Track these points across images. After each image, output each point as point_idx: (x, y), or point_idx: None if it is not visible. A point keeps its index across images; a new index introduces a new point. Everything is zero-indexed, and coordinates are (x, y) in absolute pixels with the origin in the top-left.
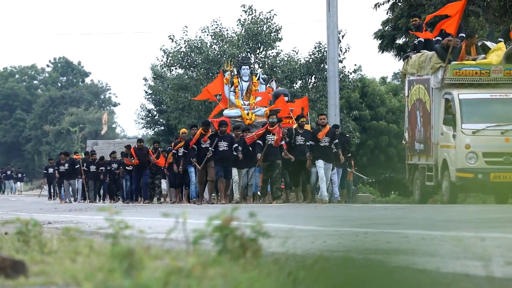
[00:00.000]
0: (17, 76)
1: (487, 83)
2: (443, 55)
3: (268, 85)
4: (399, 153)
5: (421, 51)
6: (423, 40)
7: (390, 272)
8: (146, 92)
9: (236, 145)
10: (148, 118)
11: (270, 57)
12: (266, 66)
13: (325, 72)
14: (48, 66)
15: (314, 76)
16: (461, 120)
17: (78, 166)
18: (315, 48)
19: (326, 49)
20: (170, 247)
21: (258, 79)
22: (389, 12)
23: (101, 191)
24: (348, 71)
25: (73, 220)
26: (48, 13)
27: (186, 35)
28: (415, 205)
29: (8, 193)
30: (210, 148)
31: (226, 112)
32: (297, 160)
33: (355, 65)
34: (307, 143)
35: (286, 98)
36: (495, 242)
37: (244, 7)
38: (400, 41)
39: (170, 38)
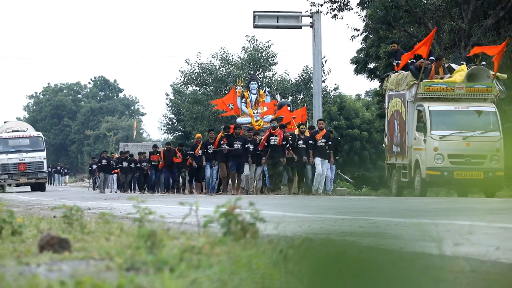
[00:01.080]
0: (65, 91)
1: (452, 97)
2: (417, 74)
3: (273, 98)
4: (370, 156)
5: (398, 71)
6: (400, 62)
7: (362, 251)
8: (167, 104)
9: (248, 145)
10: (169, 125)
11: (267, 78)
12: (264, 85)
13: (311, 90)
14: (89, 83)
15: (302, 93)
16: (431, 128)
17: (112, 163)
18: (303, 70)
19: (312, 71)
20: (185, 230)
21: (264, 92)
22: (362, 42)
23: (132, 184)
24: (329, 89)
25: (108, 206)
26: (91, 40)
27: (199, 59)
28: (383, 197)
29: (56, 185)
30: (225, 147)
31: (238, 119)
32: (298, 160)
33: (335, 84)
34: (308, 141)
35: (289, 108)
36: (446, 227)
37: (247, 37)
38: (371, 65)
39: (186, 62)
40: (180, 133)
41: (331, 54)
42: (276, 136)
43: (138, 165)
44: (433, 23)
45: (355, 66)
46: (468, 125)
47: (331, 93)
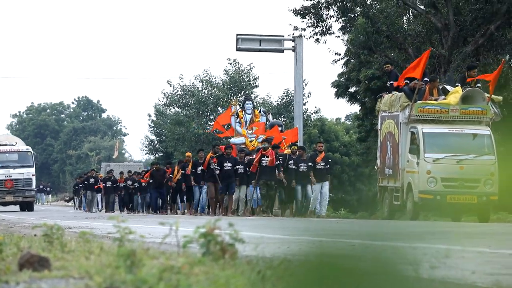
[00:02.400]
0: (48, 110)
1: (446, 119)
2: (410, 95)
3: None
4: (349, 179)
5: (392, 92)
6: (393, 83)
7: (340, 273)
8: (149, 125)
9: (237, 167)
10: (151, 146)
11: None
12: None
13: (292, 113)
14: (73, 103)
15: (283, 115)
16: (424, 150)
17: (100, 182)
18: (284, 93)
19: (293, 94)
20: (164, 249)
21: (260, 112)
22: (344, 66)
23: (115, 203)
24: (310, 112)
25: (88, 226)
26: (75, 60)
27: (182, 81)
28: (361, 220)
29: (39, 204)
30: (216, 168)
31: (232, 139)
32: (288, 180)
33: (315, 107)
34: (309, 164)
35: (280, 128)
36: (423, 251)
37: (229, 60)
38: (352, 89)
39: (169, 83)
40: (161, 154)
41: (312, 78)
42: (267, 157)
43: (123, 185)
44: (413, 49)
45: (336, 89)
46: (462, 148)
47: (312, 116)
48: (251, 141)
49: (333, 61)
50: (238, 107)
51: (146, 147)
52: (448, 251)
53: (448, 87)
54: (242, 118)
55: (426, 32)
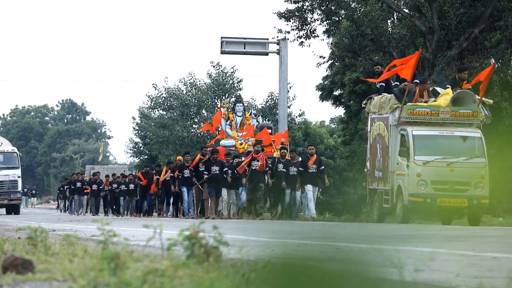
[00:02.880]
0: (32, 113)
1: (436, 122)
2: (400, 97)
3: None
4: (334, 182)
5: (382, 93)
6: (384, 84)
7: (324, 275)
8: (134, 128)
9: (226, 169)
10: (135, 149)
11: (232, 103)
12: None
13: (277, 116)
14: (57, 105)
15: (267, 118)
16: (414, 153)
17: (86, 185)
18: (269, 96)
19: (277, 97)
20: (149, 252)
21: (250, 114)
22: (328, 69)
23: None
24: (294, 115)
25: (72, 228)
26: (59, 63)
27: (166, 83)
28: (345, 223)
29: (23, 207)
30: (205, 172)
31: (222, 142)
32: (278, 184)
33: (300, 110)
34: (299, 168)
35: (269, 131)
36: (407, 254)
37: (212, 63)
38: (336, 93)
39: (153, 86)
40: (146, 157)
41: (297, 81)
42: (258, 160)
43: (108, 188)
44: (398, 52)
45: (320, 92)
46: (452, 151)
47: (296, 119)
48: (241, 144)
49: (317, 64)
50: (227, 109)
51: (130, 149)
52: (432, 254)
53: (438, 89)
54: (232, 120)
55: (411, 35)
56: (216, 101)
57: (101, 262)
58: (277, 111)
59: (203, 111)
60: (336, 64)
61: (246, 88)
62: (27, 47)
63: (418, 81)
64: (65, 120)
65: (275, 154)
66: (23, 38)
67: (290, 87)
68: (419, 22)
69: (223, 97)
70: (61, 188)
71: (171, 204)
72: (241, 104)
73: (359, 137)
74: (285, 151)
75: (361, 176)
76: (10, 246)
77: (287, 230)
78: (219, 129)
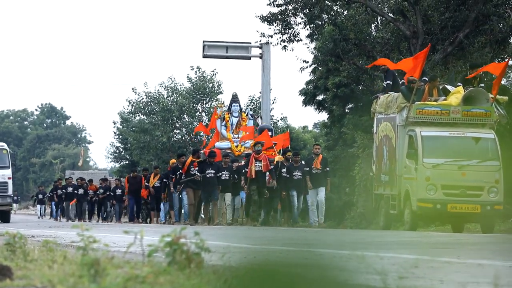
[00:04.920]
0: (11, 117)
1: (447, 122)
2: (408, 96)
3: (255, 122)
4: None
5: (388, 92)
6: (391, 83)
7: (307, 282)
8: (114, 133)
9: (220, 173)
10: (116, 154)
11: (212, 107)
12: (210, 114)
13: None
14: (36, 110)
15: None
16: (423, 155)
17: (77, 190)
18: (249, 100)
19: (258, 100)
20: (129, 259)
21: (247, 115)
22: (311, 74)
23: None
24: (276, 119)
25: (52, 234)
26: (38, 67)
27: (146, 88)
28: (329, 229)
29: None
30: (197, 173)
31: (217, 144)
32: (279, 189)
33: (282, 114)
34: (305, 169)
35: (270, 133)
36: (391, 261)
37: (192, 67)
38: (319, 97)
39: (134, 91)
40: (126, 162)
41: (280, 85)
42: (260, 161)
43: (96, 193)
44: (382, 56)
45: (303, 97)
46: (464, 153)
47: (278, 123)
48: (236, 146)
49: (300, 68)
50: (223, 109)
51: (111, 154)
52: (416, 261)
53: (449, 87)
54: (228, 121)
55: (395, 40)
56: (196, 105)
57: (81, 268)
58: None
59: (185, 116)
60: (319, 68)
61: (226, 92)
62: (5, 50)
63: (427, 78)
64: (45, 125)
65: (276, 158)
66: (1, 41)
67: (270, 90)
68: (403, 26)
69: (204, 101)
70: (38, 195)
71: (162, 210)
72: (237, 104)
73: (343, 142)
74: (290, 153)
75: (344, 181)
76: None
77: (270, 236)
78: (214, 130)
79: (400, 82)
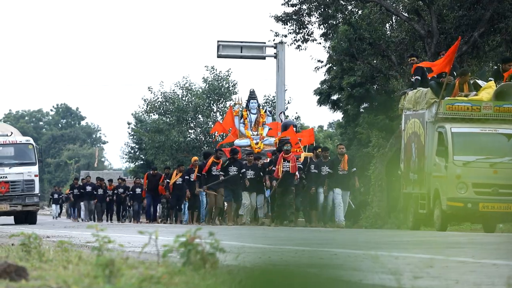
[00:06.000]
0: (26, 118)
1: (478, 118)
2: (438, 91)
3: (277, 118)
4: None
5: (417, 87)
6: (419, 78)
7: (322, 282)
8: (129, 133)
9: (244, 170)
10: (131, 154)
11: (227, 107)
12: (225, 114)
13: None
14: (51, 110)
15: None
16: (453, 152)
17: (96, 190)
18: (264, 100)
19: (273, 100)
20: (144, 259)
21: (265, 111)
22: (326, 73)
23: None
24: (291, 119)
25: (67, 235)
26: (54, 67)
27: (162, 87)
28: (343, 229)
29: None
30: (221, 173)
31: (236, 141)
32: (310, 186)
33: (296, 113)
34: (327, 170)
35: (294, 129)
36: (405, 260)
37: (207, 67)
38: (334, 97)
39: (149, 90)
40: (141, 162)
41: (294, 85)
42: (288, 161)
43: (116, 192)
44: (396, 56)
45: (318, 97)
46: (496, 150)
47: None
48: (256, 143)
49: (315, 68)
50: (240, 106)
51: (126, 155)
52: (431, 260)
53: (480, 81)
54: (246, 118)
55: (410, 39)
56: (212, 105)
57: (96, 269)
58: (274, 116)
59: (200, 116)
60: (334, 68)
61: (241, 92)
62: (21, 51)
63: (457, 73)
64: (60, 125)
65: (302, 155)
66: (17, 42)
67: (285, 90)
68: (418, 25)
69: (219, 102)
70: (54, 194)
71: (185, 210)
72: (255, 101)
73: (358, 142)
74: (320, 150)
75: (359, 181)
76: (3, 252)
77: (284, 237)
78: (230, 130)
79: (429, 77)
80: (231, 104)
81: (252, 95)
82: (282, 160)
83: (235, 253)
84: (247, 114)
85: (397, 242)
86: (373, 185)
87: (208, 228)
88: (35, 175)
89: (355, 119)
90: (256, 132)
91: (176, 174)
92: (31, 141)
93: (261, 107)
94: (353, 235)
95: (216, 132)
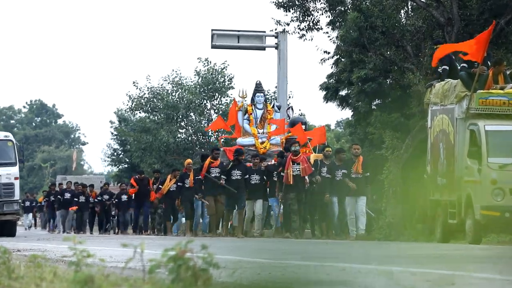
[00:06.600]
0: None
1: None
2: (469, 83)
3: (284, 113)
4: None
5: (445, 79)
6: (447, 68)
7: None
8: (112, 133)
9: (248, 176)
10: (114, 157)
11: (223, 104)
12: (221, 112)
13: None
14: (24, 107)
15: None
16: (487, 154)
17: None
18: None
19: (273, 96)
20: (128, 275)
21: (273, 107)
22: (333, 66)
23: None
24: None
25: (40, 248)
26: (27, 59)
27: (149, 82)
28: (352, 241)
29: None
30: (222, 177)
31: (239, 140)
32: (321, 193)
33: (299, 110)
34: (342, 171)
35: (303, 127)
36: (424, 277)
37: (200, 59)
38: (342, 92)
39: (135, 85)
40: (126, 165)
41: (298, 79)
42: (298, 164)
43: (100, 199)
44: (412, 46)
45: (324, 92)
46: None
47: None
48: (262, 143)
49: (321, 60)
50: (244, 99)
51: (108, 157)
52: (452, 277)
53: None
54: (251, 114)
55: (427, 27)
56: (205, 102)
57: (73, 286)
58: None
59: (191, 113)
60: (343, 60)
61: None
62: None
63: (491, 62)
64: (34, 124)
65: (312, 156)
66: None
67: (287, 84)
68: (437, 12)
69: (213, 98)
70: (26, 202)
71: (179, 219)
72: (262, 94)
73: (369, 143)
74: (330, 149)
75: (371, 187)
76: None
77: (286, 250)
78: (233, 127)
79: (459, 67)
80: (236, 98)
81: (259, 88)
82: (291, 163)
83: (231, 268)
84: (252, 109)
85: (415, 256)
86: (386, 191)
87: (201, 241)
88: (15, 178)
89: (366, 117)
90: (262, 130)
91: (170, 180)
92: (11, 137)
93: (268, 102)
94: (364, 248)
95: (210, 130)
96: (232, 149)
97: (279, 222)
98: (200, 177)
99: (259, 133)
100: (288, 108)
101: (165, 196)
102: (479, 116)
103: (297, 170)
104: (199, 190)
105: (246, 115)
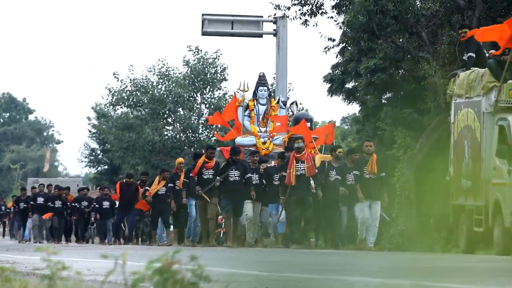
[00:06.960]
0: None
1: None
2: (498, 72)
3: (288, 109)
4: None
5: (470, 68)
6: (473, 55)
7: None
8: (89, 131)
9: (249, 175)
10: (92, 157)
11: (215, 98)
12: (212, 106)
13: None
14: None
15: None
16: None
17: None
18: None
19: (271, 88)
20: None
21: (278, 102)
22: (339, 55)
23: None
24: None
25: (9, 260)
26: None
27: (132, 73)
28: (362, 252)
29: None
30: (217, 178)
31: (238, 139)
32: (329, 200)
33: (300, 104)
34: (354, 172)
35: (308, 124)
36: None
37: (190, 47)
38: (349, 85)
39: (115, 77)
40: (106, 167)
41: (299, 69)
42: (302, 162)
43: (77, 205)
44: (428, 33)
45: (329, 85)
46: None
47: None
48: (264, 143)
49: (325, 48)
50: (244, 93)
51: (85, 158)
52: None
53: None
54: (253, 110)
55: (445, 11)
56: (195, 95)
57: None
58: None
59: (180, 108)
60: (349, 48)
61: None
62: None
63: None
64: (1, 120)
65: (317, 157)
66: None
67: (286, 75)
68: None
69: (204, 91)
70: (15, 206)
71: (171, 226)
72: (265, 88)
73: (379, 141)
74: (341, 150)
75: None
76: None
77: (286, 261)
78: (233, 123)
79: (487, 55)
80: (236, 91)
81: (262, 81)
82: (294, 161)
83: (224, 282)
84: (253, 105)
85: (430, 268)
86: (398, 195)
87: (190, 251)
88: None
89: (376, 113)
90: (265, 128)
91: (159, 182)
92: None
93: (272, 97)
94: (373, 259)
95: (207, 125)
96: (229, 149)
97: (277, 230)
98: (187, 180)
99: (260, 132)
100: (292, 103)
101: (152, 201)
102: (510, 109)
103: (301, 169)
104: (188, 192)
105: (247, 111)
